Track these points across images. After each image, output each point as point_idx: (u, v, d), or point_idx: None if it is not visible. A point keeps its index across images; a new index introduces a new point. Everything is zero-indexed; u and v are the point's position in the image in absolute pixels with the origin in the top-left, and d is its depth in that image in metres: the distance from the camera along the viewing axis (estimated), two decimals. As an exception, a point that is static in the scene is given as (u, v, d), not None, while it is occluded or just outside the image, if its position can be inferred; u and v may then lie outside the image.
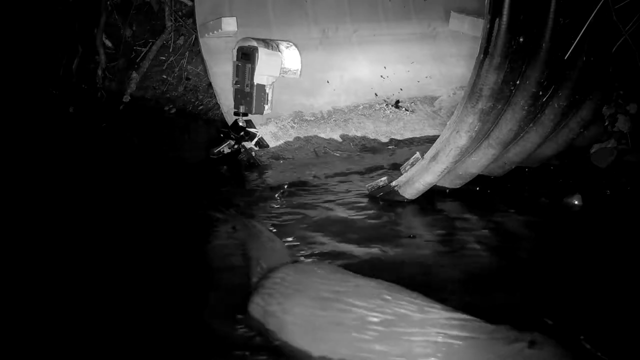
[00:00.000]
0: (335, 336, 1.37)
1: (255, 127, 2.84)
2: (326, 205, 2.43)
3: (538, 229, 2.14)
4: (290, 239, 2.12)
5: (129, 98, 4.01)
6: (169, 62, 4.13)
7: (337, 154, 3.11)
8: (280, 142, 3.10)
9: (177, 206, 2.46)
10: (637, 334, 1.52)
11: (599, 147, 2.38)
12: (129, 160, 3.10)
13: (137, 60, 4.14)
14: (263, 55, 2.62)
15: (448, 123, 2.14)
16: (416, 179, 2.25)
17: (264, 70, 2.64)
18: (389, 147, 3.18)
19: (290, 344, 1.42)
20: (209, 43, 3.09)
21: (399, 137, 3.26)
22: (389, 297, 1.39)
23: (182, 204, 2.49)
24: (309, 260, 1.92)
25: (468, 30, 3.40)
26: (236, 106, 2.72)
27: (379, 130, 3.28)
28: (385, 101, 3.43)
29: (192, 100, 3.99)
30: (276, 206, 2.46)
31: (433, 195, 2.37)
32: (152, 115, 3.92)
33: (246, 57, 2.63)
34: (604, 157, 2.36)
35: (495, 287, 1.77)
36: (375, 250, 2.00)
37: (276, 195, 2.57)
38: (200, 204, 2.48)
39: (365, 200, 2.44)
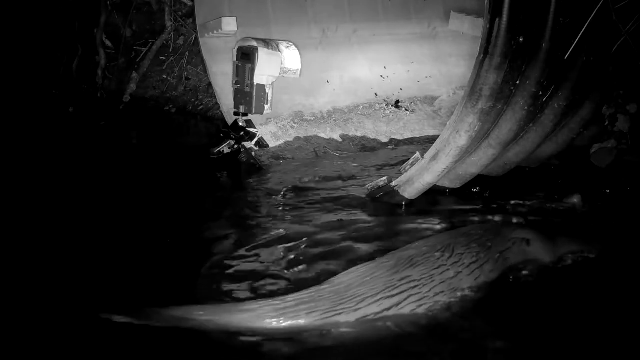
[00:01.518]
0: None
1: (255, 127, 2.84)
2: (326, 205, 2.43)
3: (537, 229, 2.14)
4: (289, 238, 2.12)
5: (129, 98, 4.01)
6: (169, 62, 4.13)
7: (337, 154, 3.11)
8: (280, 142, 3.11)
9: (172, 210, 2.46)
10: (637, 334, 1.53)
11: (599, 147, 2.38)
12: (128, 160, 3.10)
13: (137, 60, 4.14)
14: (263, 55, 2.62)
15: (448, 123, 2.14)
16: (416, 179, 2.25)
17: (264, 70, 2.64)
18: (389, 147, 3.18)
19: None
20: (209, 43, 3.09)
21: (399, 137, 3.26)
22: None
23: (178, 207, 2.49)
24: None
25: (468, 30, 3.40)
26: (236, 106, 2.72)
27: (379, 130, 3.28)
28: (385, 101, 3.44)
29: (192, 100, 3.99)
30: (276, 206, 2.46)
31: (433, 195, 2.37)
32: (152, 115, 3.92)
33: (246, 57, 2.63)
34: (604, 157, 2.35)
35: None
36: (375, 249, 2.00)
37: (276, 195, 2.58)
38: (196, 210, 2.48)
39: (365, 200, 2.44)
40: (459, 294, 1.63)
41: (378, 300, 1.55)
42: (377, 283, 1.59)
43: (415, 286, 1.60)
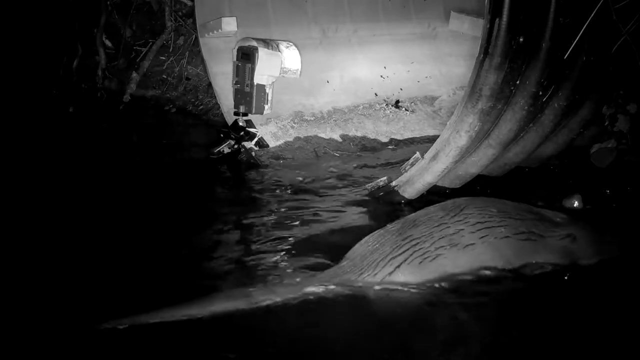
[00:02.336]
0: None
1: (255, 127, 2.84)
2: (326, 205, 2.43)
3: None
4: (288, 238, 2.12)
5: (129, 98, 4.01)
6: (169, 62, 4.13)
7: (337, 154, 3.11)
8: (280, 142, 3.10)
9: (172, 209, 2.46)
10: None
11: (599, 147, 2.38)
12: (129, 160, 3.10)
13: (137, 60, 4.14)
14: (263, 55, 2.62)
15: (448, 123, 2.14)
16: (416, 179, 2.25)
17: (264, 70, 2.64)
18: (389, 147, 3.18)
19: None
20: (209, 43, 3.09)
21: (399, 137, 3.26)
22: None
23: (178, 207, 2.49)
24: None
25: (468, 30, 3.40)
26: (236, 106, 2.72)
27: (379, 130, 3.28)
28: (385, 101, 3.43)
29: (192, 100, 3.99)
30: (275, 206, 2.46)
31: (433, 195, 2.38)
32: (152, 115, 3.91)
33: (246, 57, 2.63)
34: (604, 157, 2.35)
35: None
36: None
37: (276, 194, 2.58)
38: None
39: (365, 200, 2.44)
40: (459, 247, 1.73)
41: (389, 261, 1.73)
42: (385, 248, 1.77)
43: (417, 243, 1.75)
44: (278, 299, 1.68)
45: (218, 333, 1.61)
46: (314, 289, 1.72)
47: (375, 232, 1.87)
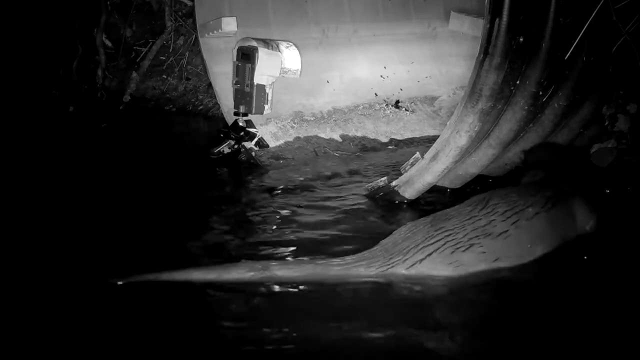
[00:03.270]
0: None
1: (255, 127, 2.84)
2: (325, 205, 2.43)
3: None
4: (288, 237, 2.12)
5: (129, 98, 4.01)
6: (169, 62, 4.13)
7: (337, 154, 3.11)
8: (280, 142, 3.10)
9: (173, 208, 2.46)
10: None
11: (599, 147, 2.38)
12: (129, 160, 3.10)
13: (137, 60, 4.14)
14: (263, 55, 2.62)
15: (448, 123, 2.14)
16: (416, 179, 2.25)
17: (264, 70, 2.64)
18: (389, 147, 3.18)
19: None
20: (209, 43, 3.09)
21: (399, 137, 3.26)
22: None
23: (179, 206, 2.49)
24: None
25: (468, 30, 3.41)
26: (236, 106, 2.72)
27: (379, 130, 3.28)
28: (385, 101, 3.44)
29: (192, 100, 3.99)
30: (275, 207, 2.46)
31: (433, 195, 2.38)
32: (152, 115, 3.92)
33: (246, 57, 2.63)
34: (604, 157, 2.35)
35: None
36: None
37: (276, 194, 2.58)
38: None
39: (365, 200, 2.44)
40: (493, 236, 1.78)
41: (420, 249, 1.78)
42: (417, 236, 1.82)
43: (450, 234, 1.79)
44: (298, 275, 1.75)
45: (231, 299, 1.69)
46: (339, 269, 1.76)
47: (408, 223, 1.92)
